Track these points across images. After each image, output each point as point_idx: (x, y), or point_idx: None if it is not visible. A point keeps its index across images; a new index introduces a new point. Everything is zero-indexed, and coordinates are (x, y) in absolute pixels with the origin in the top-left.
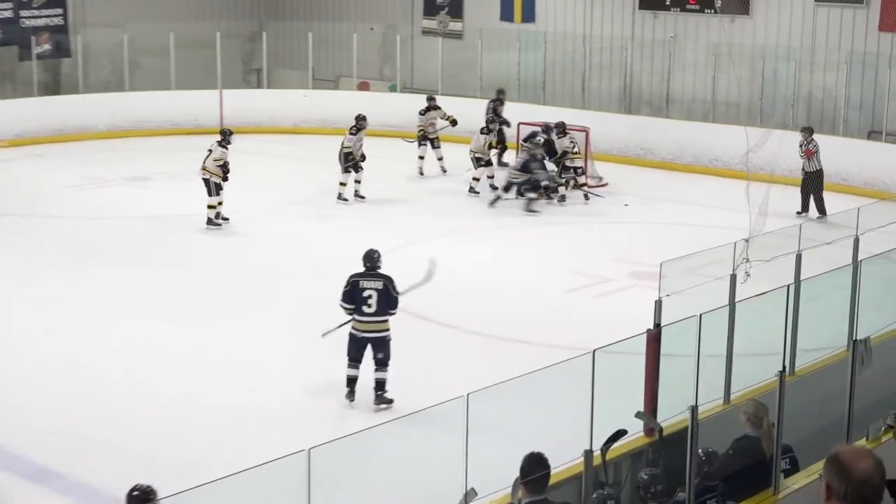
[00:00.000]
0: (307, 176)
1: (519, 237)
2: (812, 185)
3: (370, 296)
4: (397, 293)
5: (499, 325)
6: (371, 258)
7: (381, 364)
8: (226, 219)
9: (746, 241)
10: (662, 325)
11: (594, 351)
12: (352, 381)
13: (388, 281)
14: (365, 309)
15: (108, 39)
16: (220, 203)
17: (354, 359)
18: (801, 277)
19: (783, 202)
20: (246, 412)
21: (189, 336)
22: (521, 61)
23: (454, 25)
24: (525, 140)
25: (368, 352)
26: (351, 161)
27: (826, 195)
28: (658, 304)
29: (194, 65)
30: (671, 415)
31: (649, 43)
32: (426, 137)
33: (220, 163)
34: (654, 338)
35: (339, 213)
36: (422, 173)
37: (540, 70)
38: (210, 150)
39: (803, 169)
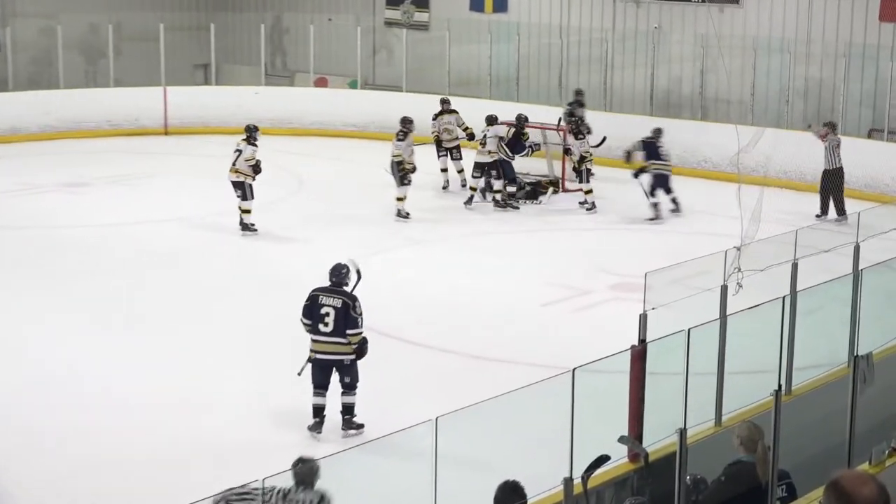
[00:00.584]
0: (259, 181)
1: (489, 246)
2: (832, 184)
3: (327, 313)
4: (358, 314)
5: (473, 342)
6: (337, 273)
7: (348, 388)
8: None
9: (738, 249)
10: (648, 340)
11: (574, 369)
12: (317, 411)
13: (349, 300)
14: (321, 327)
15: (39, 32)
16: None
17: (319, 385)
18: (798, 288)
19: (777, 206)
20: (198, 445)
21: (125, 359)
22: (492, 55)
23: (420, 16)
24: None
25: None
26: (403, 171)
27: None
28: (643, 319)
29: (135, 60)
30: (658, 438)
31: (631, 34)
32: (441, 145)
33: (252, 162)
34: (638, 355)
35: (294, 223)
36: (446, 187)
37: (513, 64)
38: (238, 150)
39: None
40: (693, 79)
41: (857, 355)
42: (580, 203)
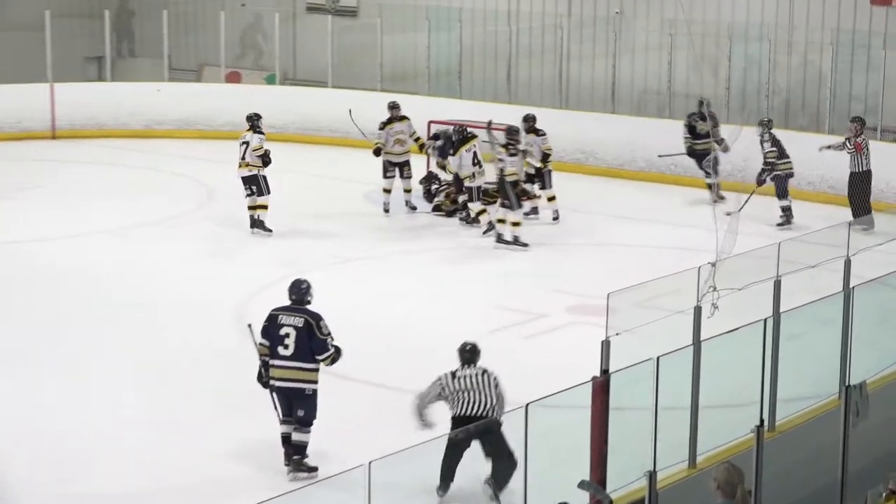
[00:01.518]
0: (166, 189)
1: (430, 266)
2: (859, 187)
3: (287, 334)
4: (325, 335)
5: (412, 374)
6: (297, 289)
7: (302, 423)
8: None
9: (713, 265)
10: (611, 370)
11: (527, 405)
12: (288, 440)
13: (312, 318)
14: (280, 350)
15: None
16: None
17: (286, 414)
18: (781, 309)
19: (758, 215)
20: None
21: (22, 390)
22: (430, 45)
23: (347, 1)
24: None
25: None
26: (521, 190)
27: (811, 207)
28: (605, 346)
29: (16, 52)
30: (624, 483)
31: (590, 21)
32: (391, 161)
33: (261, 152)
34: (600, 387)
35: (204, 239)
36: (387, 210)
37: (455, 56)
38: (245, 143)
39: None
40: (660, 71)
41: (849, 385)
42: (528, 214)
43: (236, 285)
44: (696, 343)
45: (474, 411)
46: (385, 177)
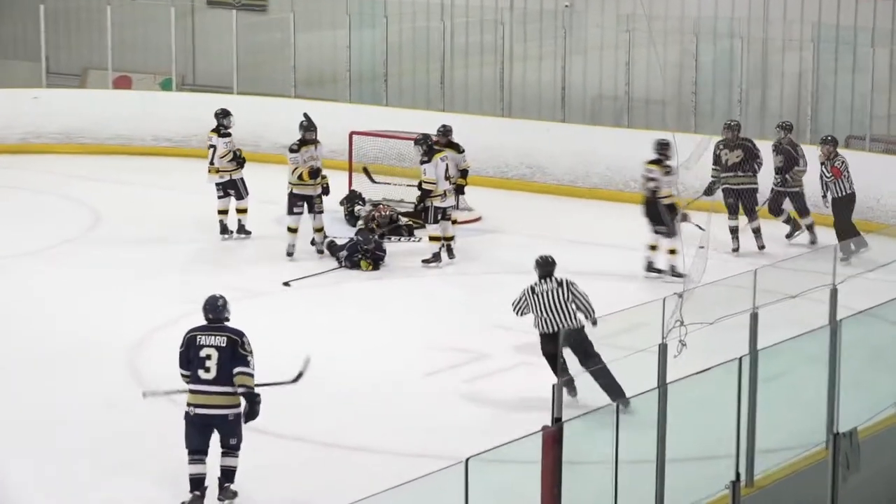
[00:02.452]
0: (45, 213)
1: (351, 299)
2: (845, 212)
3: (208, 356)
4: (247, 352)
5: (332, 425)
6: (214, 307)
7: (231, 449)
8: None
9: (680, 295)
10: (563, 419)
11: (467, 459)
12: (197, 483)
13: (235, 336)
14: (202, 373)
15: None
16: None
17: (197, 450)
18: (759, 346)
19: (729, 238)
20: None
21: None
22: (351, 44)
23: None
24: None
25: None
26: (678, 214)
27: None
28: (557, 389)
29: None
30: None
31: (535, 16)
32: (300, 194)
33: (230, 157)
34: (552, 438)
35: (89, 271)
36: (290, 254)
37: (380, 56)
38: (211, 146)
39: (827, 195)
40: (616, 73)
41: (838, 433)
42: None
43: (130, 324)
44: (662, 386)
45: (556, 329)
46: (291, 212)
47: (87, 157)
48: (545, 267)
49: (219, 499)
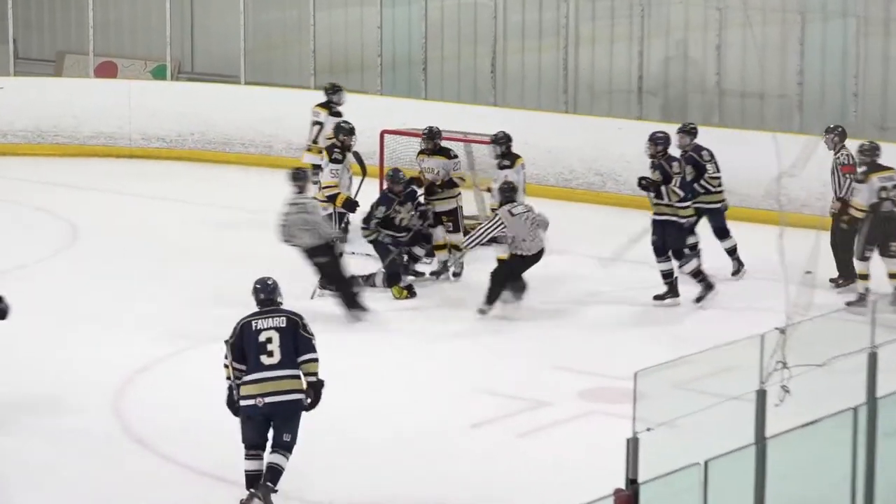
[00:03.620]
0: (13, 227)
1: (382, 332)
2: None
3: (269, 339)
4: (311, 335)
5: (369, 489)
6: (266, 287)
7: (285, 447)
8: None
9: (782, 331)
10: (640, 480)
11: None
12: (254, 479)
13: (294, 316)
14: (264, 359)
15: None
16: None
17: (255, 445)
18: (878, 393)
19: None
20: None
21: None
22: (384, 24)
23: None
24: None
25: None
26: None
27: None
28: (632, 445)
29: None
30: None
31: None
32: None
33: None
34: (626, 502)
35: (68, 294)
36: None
37: (418, 38)
38: (318, 123)
39: (838, 200)
40: (705, 61)
41: None
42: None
43: (113, 366)
44: (760, 441)
45: (534, 252)
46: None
47: (62, 160)
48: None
49: (252, 491)
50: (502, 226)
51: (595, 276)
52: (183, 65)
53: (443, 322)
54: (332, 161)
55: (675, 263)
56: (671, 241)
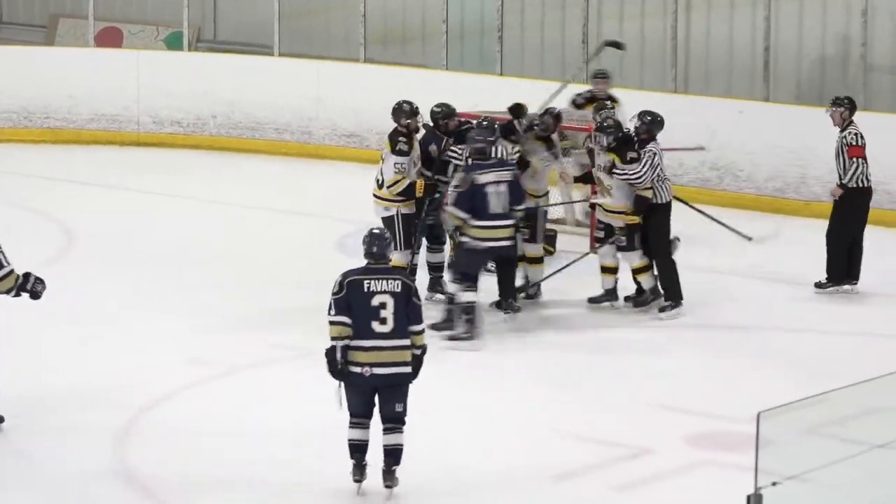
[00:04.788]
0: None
1: (454, 366)
2: (857, 213)
3: (383, 304)
4: (420, 300)
5: None
6: (381, 241)
7: (398, 422)
8: None
9: None
10: None
11: None
12: (360, 448)
13: (408, 280)
14: (376, 327)
15: None
16: None
17: (362, 414)
18: None
19: None
20: None
21: None
22: None
23: None
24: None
25: None
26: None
27: None
28: (754, 503)
29: None
30: None
31: None
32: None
33: (399, 188)
34: None
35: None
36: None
37: (492, 3)
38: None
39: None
40: (848, 29)
41: None
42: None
43: (115, 399)
44: None
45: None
46: (409, 244)
47: (56, 147)
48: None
49: (387, 486)
50: None
51: (713, 294)
52: (203, 32)
53: (510, 352)
54: (397, 153)
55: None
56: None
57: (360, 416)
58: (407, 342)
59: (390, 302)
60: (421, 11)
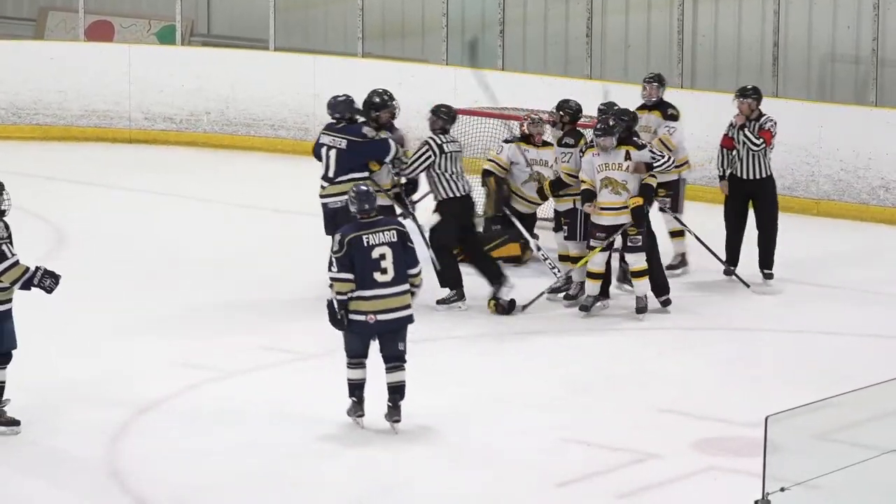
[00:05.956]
0: None
1: (452, 360)
2: (772, 203)
3: (383, 255)
4: (412, 242)
5: None
6: (367, 197)
7: (399, 360)
8: None
9: None
10: None
11: None
12: (358, 387)
13: (401, 227)
14: (378, 277)
15: None
16: None
17: (361, 355)
18: None
19: None
20: None
21: None
22: None
23: None
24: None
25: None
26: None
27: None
28: None
29: None
30: None
31: None
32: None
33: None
34: None
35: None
36: None
37: None
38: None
39: (727, 174)
40: (859, 23)
41: None
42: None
43: (109, 401)
44: None
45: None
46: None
47: (45, 144)
48: (453, 118)
49: (394, 420)
50: None
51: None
52: (196, 25)
53: (513, 356)
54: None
55: None
56: None
57: (358, 357)
58: (406, 287)
59: (389, 252)
60: (420, 4)
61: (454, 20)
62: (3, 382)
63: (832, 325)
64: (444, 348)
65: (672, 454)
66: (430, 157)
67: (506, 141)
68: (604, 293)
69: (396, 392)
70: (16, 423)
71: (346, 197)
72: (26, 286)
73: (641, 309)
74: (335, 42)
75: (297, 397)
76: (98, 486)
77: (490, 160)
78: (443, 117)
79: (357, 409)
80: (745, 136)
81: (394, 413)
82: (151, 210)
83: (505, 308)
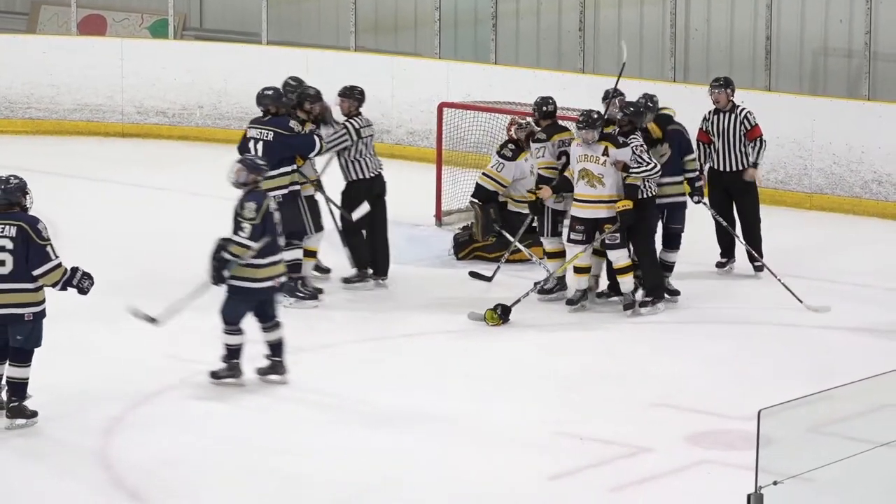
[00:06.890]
0: None
1: (441, 362)
2: (753, 198)
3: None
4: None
5: None
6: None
7: (276, 321)
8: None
9: None
10: None
11: None
12: (236, 353)
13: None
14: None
15: None
16: None
17: (237, 321)
18: None
19: None
20: None
21: None
22: None
23: None
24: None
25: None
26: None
27: None
28: (755, 503)
29: None
30: None
31: None
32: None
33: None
34: None
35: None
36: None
37: None
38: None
39: (709, 168)
40: (851, 17)
41: None
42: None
43: (99, 400)
44: None
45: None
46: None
47: (36, 138)
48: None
49: (279, 373)
50: None
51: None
52: (189, 19)
53: (505, 351)
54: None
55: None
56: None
57: (236, 323)
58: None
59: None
60: (412, 1)
61: (447, 14)
62: (27, 379)
63: (825, 319)
64: (435, 343)
65: (665, 448)
66: (346, 140)
67: (502, 156)
68: (613, 289)
69: (275, 350)
70: (34, 414)
71: (280, 192)
72: (63, 287)
73: (628, 305)
74: (328, 36)
75: (291, 391)
76: (91, 479)
77: (488, 177)
78: (357, 97)
79: (234, 371)
80: (756, 153)
81: (277, 368)
82: (144, 204)
83: (502, 319)
